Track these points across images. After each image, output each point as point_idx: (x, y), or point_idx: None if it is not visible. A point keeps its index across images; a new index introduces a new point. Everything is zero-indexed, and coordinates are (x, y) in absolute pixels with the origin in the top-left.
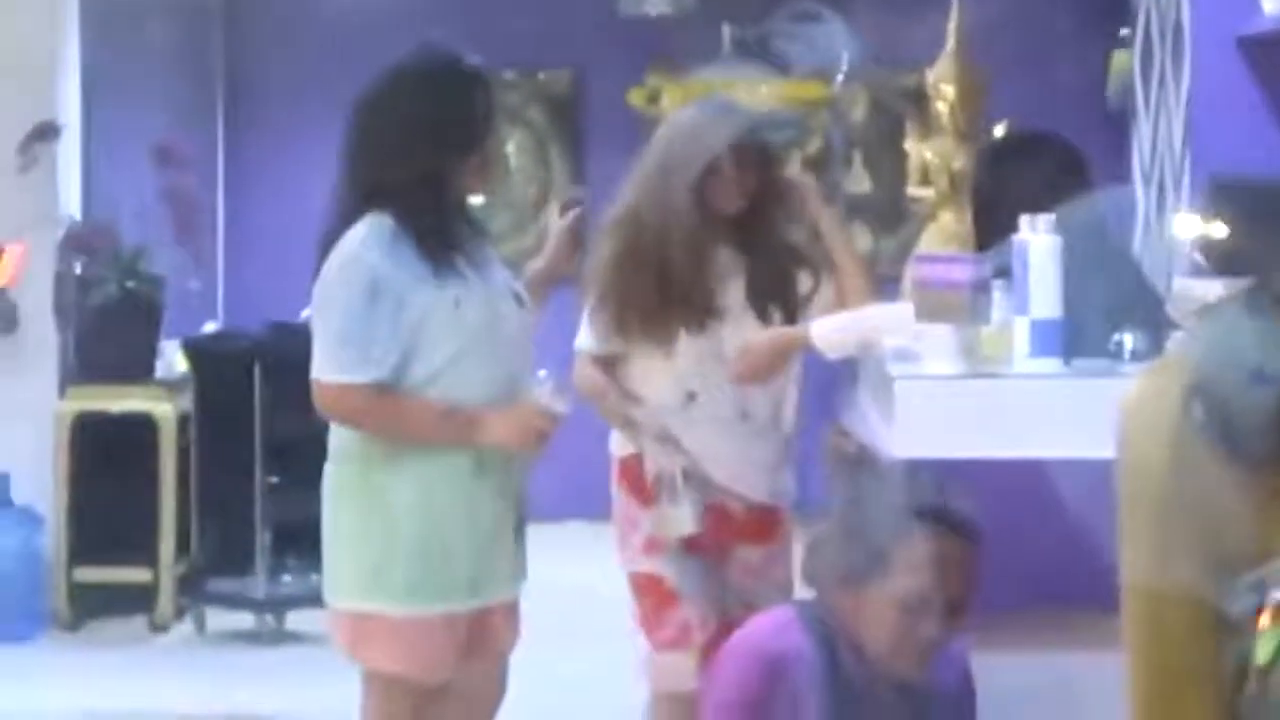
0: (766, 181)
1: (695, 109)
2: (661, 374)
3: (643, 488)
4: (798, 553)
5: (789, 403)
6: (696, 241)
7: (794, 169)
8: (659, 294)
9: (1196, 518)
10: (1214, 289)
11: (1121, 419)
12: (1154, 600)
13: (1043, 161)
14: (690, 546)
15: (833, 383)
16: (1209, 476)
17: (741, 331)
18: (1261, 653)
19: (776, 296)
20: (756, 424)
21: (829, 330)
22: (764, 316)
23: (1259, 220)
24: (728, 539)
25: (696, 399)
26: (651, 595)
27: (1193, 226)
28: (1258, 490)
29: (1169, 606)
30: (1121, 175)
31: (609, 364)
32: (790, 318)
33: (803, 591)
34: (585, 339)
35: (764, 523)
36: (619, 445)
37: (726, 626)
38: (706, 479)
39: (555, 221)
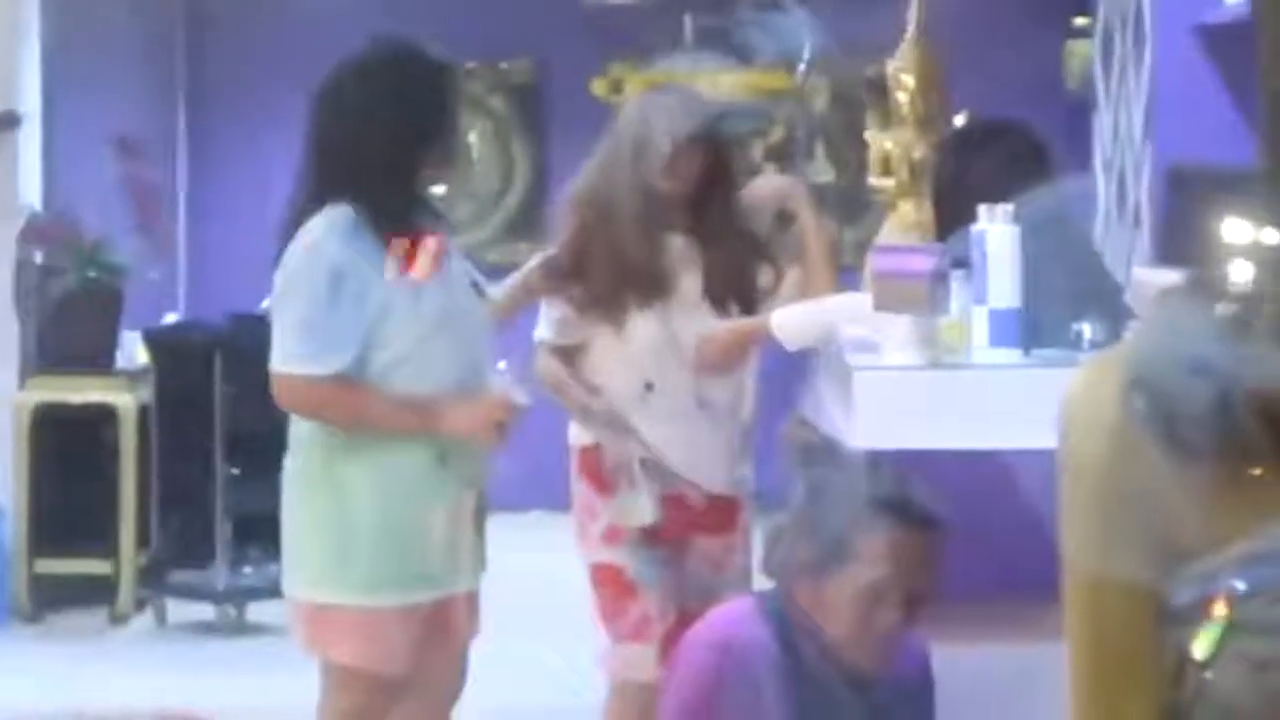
0: (721, 170)
1: (649, 96)
2: (619, 364)
3: (602, 478)
4: (757, 543)
5: (747, 393)
6: (649, 224)
7: (778, 173)
8: (612, 272)
9: (1137, 510)
10: (1172, 279)
11: (1063, 410)
12: (1094, 592)
13: (1003, 150)
14: (650, 537)
15: (792, 373)
16: (1150, 469)
17: (697, 322)
18: (1200, 647)
19: (733, 288)
20: (714, 414)
21: (789, 320)
22: (720, 308)
23: (1209, 210)
24: (687, 529)
25: (654, 389)
26: (611, 586)
27: (1152, 216)
28: (1198, 483)
29: (1109, 598)
30: (1082, 164)
31: (569, 355)
32: (748, 310)
33: (761, 582)
34: (544, 329)
35: (722, 513)
36: (578, 436)
37: (685, 617)
38: (665, 469)
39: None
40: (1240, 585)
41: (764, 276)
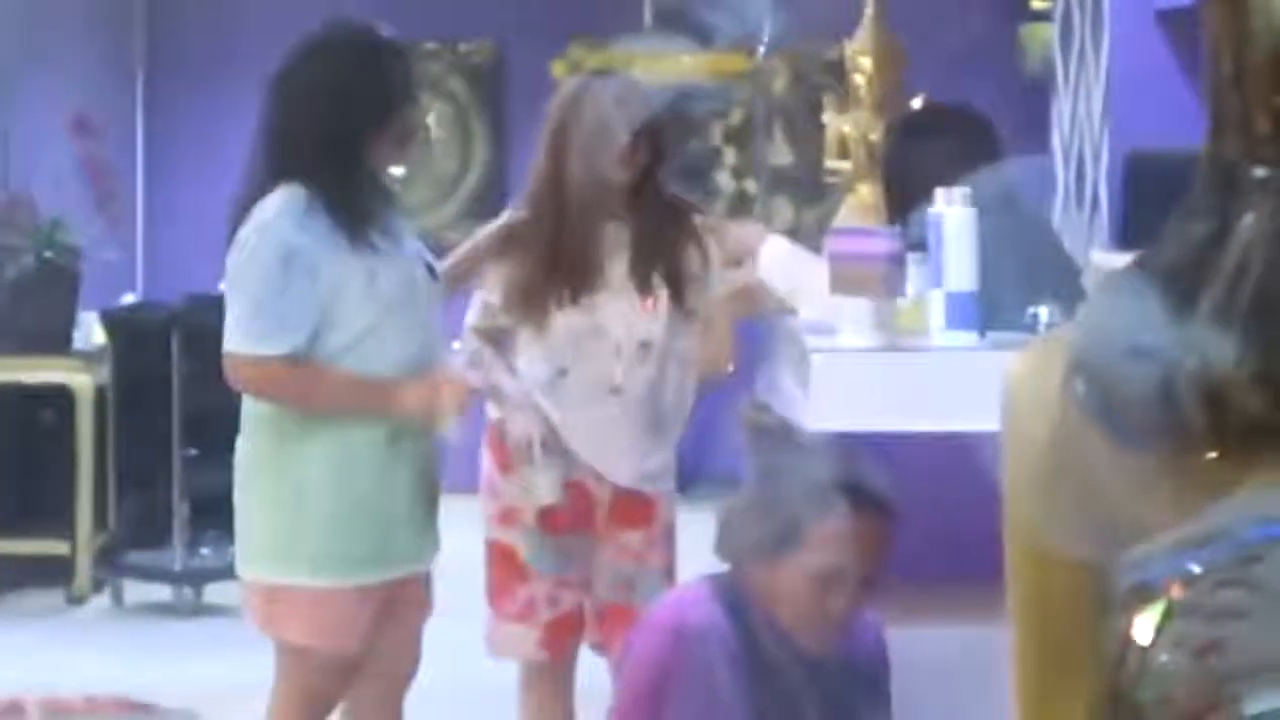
0: (656, 156)
1: (576, 82)
2: (537, 347)
3: (505, 456)
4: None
5: (671, 383)
6: (591, 218)
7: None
8: (539, 271)
9: (1078, 493)
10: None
11: (1005, 390)
12: (1035, 571)
13: (953, 135)
14: (548, 525)
15: (747, 356)
16: (1091, 451)
17: (621, 304)
18: (1142, 630)
19: (659, 268)
20: (627, 402)
21: (779, 250)
22: (644, 289)
23: (1161, 194)
24: (589, 521)
25: (567, 374)
26: (501, 566)
27: (1110, 200)
28: (1141, 466)
29: (1050, 579)
30: (1039, 149)
31: (497, 337)
32: (675, 291)
33: (685, 575)
34: (472, 315)
35: (632, 507)
36: (490, 410)
37: (608, 611)
38: (569, 454)
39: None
40: (1182, 569)
41: (693, 260)
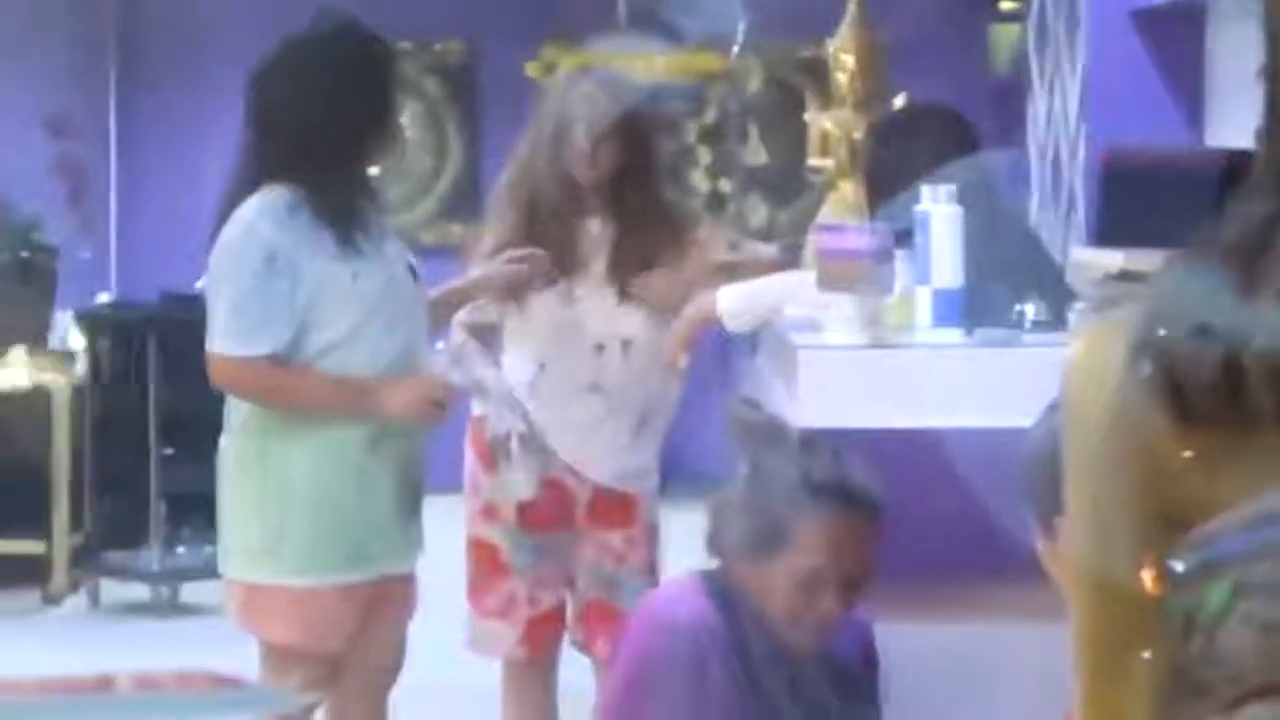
0: (639, 155)
1: (569, 81)
2: (519, 342)
3: (486, 450)
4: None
5: (654, 381)
6: (563, 213)
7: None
8: (520, 248)
9: (1141, 473)
10: (1113, 259)
11: (1065, 374)
12: (1097, 553)
13: (933, 134)
14: (526, 522)
15: (731, 354)
16: (1154, 432)
17: (602, 301)
18: (1207, 610)
19: (635, 271)
20: (609, 401)
21: (734, 300)
22: (624, 292)
23: (1138, 192)
24: (568, 518)
25: (548, 369)
26: (482, 563)
27: (1086, 198)
28: (1203, 447)
29: (1112, 560)
30: (1016, 148)
31: (484, 334)
32: (648, 296)
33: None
34: (461, 311)
35: (614, 506)
36: (473, 406)
37: (590, 609)
38: (548, 450)
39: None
40: (1248, 546)
41: (672, 266)
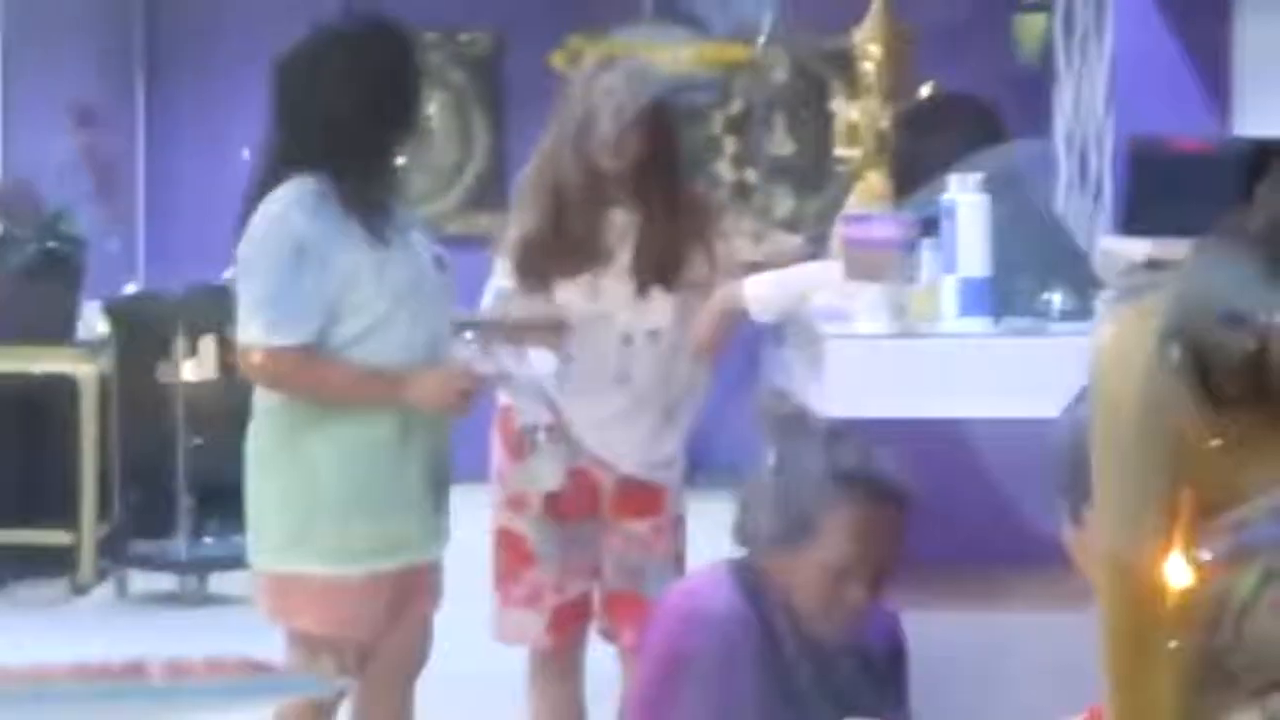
0: (665, 146)
1: (595, 72)
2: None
3: (513, 441)
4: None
5: (683, 372)
6: (589, 203)
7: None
8: (543, 243)
9: (1170, 459)
10: (1140, 248)
11: (1094, 359)
12: (1124, 540)
13: (960, 123)
14: (553, 512)
15: (759, 344)
16: (1183, 417)
17: (628, 292)
18: (1236, 595)
19: (657, 270)
20: (636, 390)
21: (761, 290)
22: (643, 288)
23: (1165, 180)
24: (594, 508)
25: (574, 359)
26: (509, 552)
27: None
28: (1231, 433)
29: (1140, 552)
30: (1043, 137)
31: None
32: (671, 288)
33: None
34: (487, 298)
35: (638, 497)
36: (501, 396)
37: (614, 599)
38: (575, 441)
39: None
40: (1275, 534)
41: (695, 263)
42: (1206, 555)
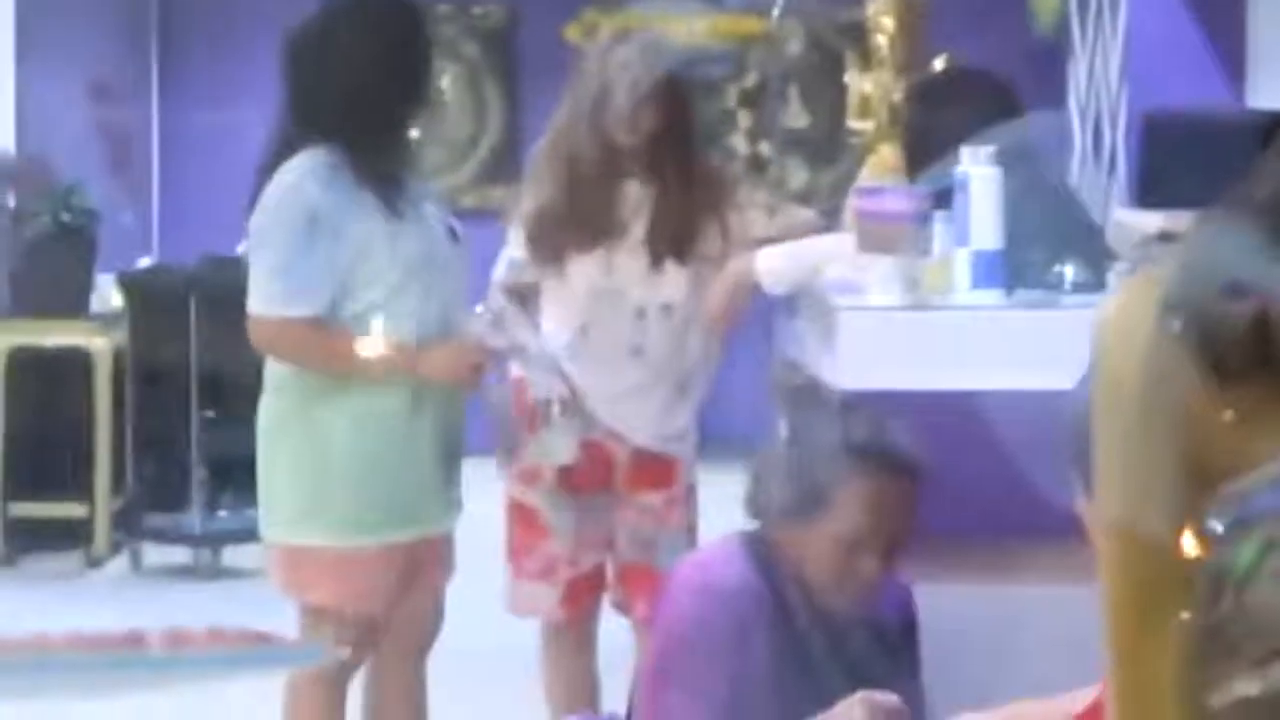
0: (681, 119)
1: (610, 45)
2: (559, 306)
3: (526, 413)
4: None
5: (695, 344)
6: (603, 175)
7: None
8: (556, 215)
9: (1172, 431)
10: (1153, 221)
11: (1096, 332)
12: (1126, 513)
13: (973, 96)
14: (567, 485)
15: (772, 316)
16: (1185, 390)
17: (642, 265)
18: (1237, 566)
19: (670, 243)
20: (649, 362)
21: (774, 262)
22: (656, 260)
23: (1179, 153)
24: (608, 480)
25: (588, 332)
26: (522, 524)
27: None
28: (1234, 404)
29: (1141, 524)
30: (1056, 110)
31: (523, 295)
32: (685, 262)
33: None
34: (500, 269)
35: (653, 468)
36: (515, 369)
37: (627, 571)
38: (588, 414)
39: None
40: (1276, 504)
41: (709, 237)
42: (1208, 526)
